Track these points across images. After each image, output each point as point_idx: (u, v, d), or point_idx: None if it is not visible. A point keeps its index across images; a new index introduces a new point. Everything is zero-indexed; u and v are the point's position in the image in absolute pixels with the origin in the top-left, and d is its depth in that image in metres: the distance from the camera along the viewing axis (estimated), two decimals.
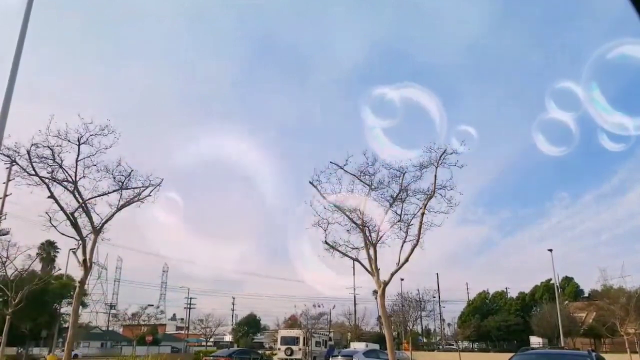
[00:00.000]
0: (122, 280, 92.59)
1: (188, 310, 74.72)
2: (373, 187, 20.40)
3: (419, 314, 61.62)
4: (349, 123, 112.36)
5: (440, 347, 66.49)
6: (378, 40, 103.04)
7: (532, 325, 52.03)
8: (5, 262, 30.73)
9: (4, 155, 17.04)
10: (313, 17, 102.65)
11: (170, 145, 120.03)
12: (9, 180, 25.44)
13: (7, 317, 29.69)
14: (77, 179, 18.28)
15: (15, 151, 17.12)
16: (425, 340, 75.08)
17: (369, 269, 20.04)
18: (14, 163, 17.69)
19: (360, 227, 20.22)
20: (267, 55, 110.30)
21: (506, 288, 70.65)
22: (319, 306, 57.96)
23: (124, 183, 19.53)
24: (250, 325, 75.23)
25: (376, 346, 40.67)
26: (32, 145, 17.18)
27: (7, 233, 28.55)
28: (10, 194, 28.06)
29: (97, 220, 19.23)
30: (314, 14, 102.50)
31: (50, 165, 17.86)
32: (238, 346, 54.54)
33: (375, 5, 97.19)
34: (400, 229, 20.25)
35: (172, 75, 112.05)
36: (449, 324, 75.51)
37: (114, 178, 19.25)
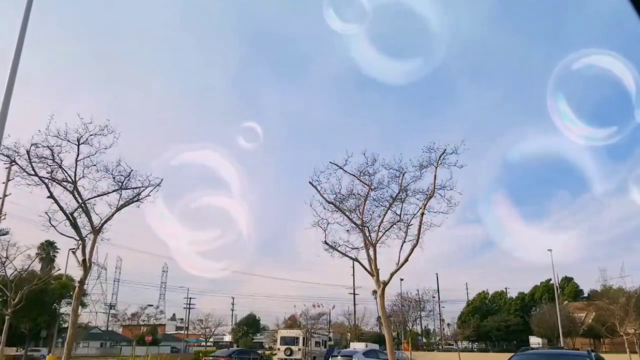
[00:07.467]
0: (122, 280, 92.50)
1: (188, 310, 74.70)
2: (373, 187, 20.41)
3: (419, 314, 61.47)
4: (349, 121, 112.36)
5: (440, 347, 66.43)
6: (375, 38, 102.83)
7: (532, 326, 52.01)
8: (5, 262, 30.76)
9: (3, 155, 17.03)
10: (310, 13, 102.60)
11: (170, 144, 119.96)
12: (8, 180, 25.42)
13: (7, 317, 29.67)
14: (77, 179, 18.26)
15: (14, 151, 17.12)
16: (424, 340, 74.95)
17: (368, 269, 20.03)
18: (13, 163, 17.67)
19: (360, 227, 20.21)
20: (263, 52, 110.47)
21: (506, 288, 70.76)
22: (318, 306, 58.00)
23: (124, 183, 19.52)
24: (250, 325, 75.08)
25: (376, 346, 40.59)
26: (31, 145, 17.18)
27: (6, 233, 28.59)
28: (10, 194, 28.10)
29: (96, 220, 19.23)
30: (311, 9, 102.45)
31: (50, 165, 17.85)
32: (238, 346, 54.49)
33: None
34: (400, 229, 20.32)
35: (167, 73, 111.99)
36: (448, 324, 75.54)
37: (114, 178, 19.25)
